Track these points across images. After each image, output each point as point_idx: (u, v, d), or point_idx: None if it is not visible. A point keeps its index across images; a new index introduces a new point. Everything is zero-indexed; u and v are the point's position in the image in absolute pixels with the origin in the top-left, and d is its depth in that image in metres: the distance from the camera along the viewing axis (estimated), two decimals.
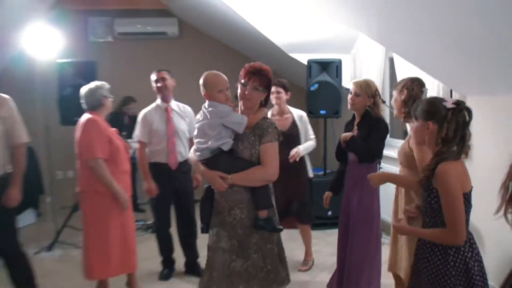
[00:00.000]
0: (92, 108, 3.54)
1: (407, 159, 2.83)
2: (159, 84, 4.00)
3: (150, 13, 6.73)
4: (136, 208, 5.97)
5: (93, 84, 3.60)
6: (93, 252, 3.51)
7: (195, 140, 2.58)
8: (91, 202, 3.50)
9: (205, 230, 2.65)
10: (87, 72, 4.84)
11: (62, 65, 4.96)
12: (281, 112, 4.28)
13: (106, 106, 3.61)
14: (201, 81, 2.57)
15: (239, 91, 2.53)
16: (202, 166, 2.57)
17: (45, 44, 5.22)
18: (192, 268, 4.23)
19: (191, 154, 2.69)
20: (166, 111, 4.03)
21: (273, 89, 4.10)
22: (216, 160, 2.50)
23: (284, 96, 4.22)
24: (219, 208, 2.58)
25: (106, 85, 3.64)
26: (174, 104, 4.10)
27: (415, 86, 2.90)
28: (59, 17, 6.37)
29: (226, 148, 2.46)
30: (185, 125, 4.08)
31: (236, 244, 2.53)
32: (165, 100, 4.04)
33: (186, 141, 4.10)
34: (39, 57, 5.32)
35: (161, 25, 6.88)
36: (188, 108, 4.18)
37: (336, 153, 3.50)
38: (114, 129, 3.64)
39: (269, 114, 4.32)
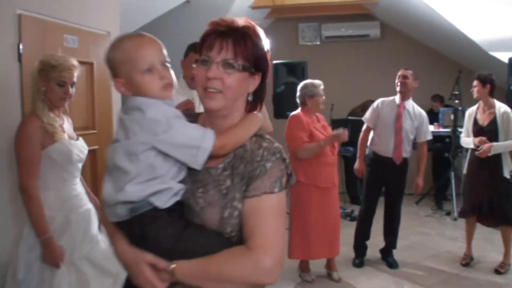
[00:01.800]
0: (300, 104, 3.79)
1: None
2: (400, 81, 4.17)
3: (353, 18, 7.11)
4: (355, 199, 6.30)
5: (302, 83, 3.81)
6: (295, 234, 3.77)
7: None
8: (296, 190, 3.71)
9: None
10: (298, 72, 5.36)
11: (277, 65, 5.46)
12: (486, 107, 4.07)
13: (308, 105, 3.73)
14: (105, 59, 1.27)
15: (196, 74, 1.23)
16: (117, 234, 1.24)
17: None
18: (386, 255, 4.33)
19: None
20: (398, 107, 4.14)
21: (474, 83, 4.05)
22: (144, 227, 1.16)
23: (481, 89, 4.01)
24: None
25: (313, 83, 3.75)
26: (409, 104, 4.17)
27: None
28: (274, 24, 7.32)
29: (162, 204, 1.17)
30: (412, 127, 4.14)
31: None
32: (401, 97, 4.16)
33: (408, 141, 4.16)
34: None
35: (363, 28, 7.22)
36: (423, 113, 4.22)
37: None
38: (322, 123, 3.84)
39: (474, 108, 4.18)
